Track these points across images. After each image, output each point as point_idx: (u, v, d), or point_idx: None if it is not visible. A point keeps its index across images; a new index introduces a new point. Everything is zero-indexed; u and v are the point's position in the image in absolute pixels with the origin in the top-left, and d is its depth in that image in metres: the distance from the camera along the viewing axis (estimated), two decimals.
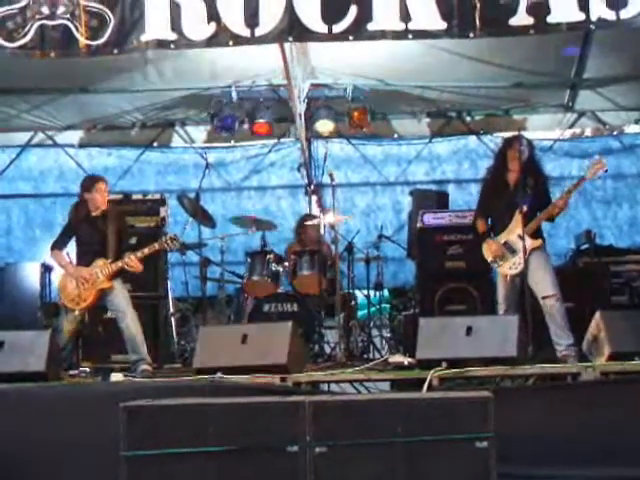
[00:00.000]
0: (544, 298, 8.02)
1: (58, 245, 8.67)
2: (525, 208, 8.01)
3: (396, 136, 12.24)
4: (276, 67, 9.44)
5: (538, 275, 8.07)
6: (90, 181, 8.75)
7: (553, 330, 8.00)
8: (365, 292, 10.34)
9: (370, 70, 9.98)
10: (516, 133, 8.87)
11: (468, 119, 11.90)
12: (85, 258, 8.58)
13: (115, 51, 7.33)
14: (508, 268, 8.18)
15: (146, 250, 8.48)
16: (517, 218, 8.07)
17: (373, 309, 10.42)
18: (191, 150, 12.23)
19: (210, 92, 10.69)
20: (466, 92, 10.84)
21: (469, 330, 7.25)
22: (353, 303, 10.01)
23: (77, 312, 8.51)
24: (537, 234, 8.19)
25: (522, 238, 7.96)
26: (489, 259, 8.32)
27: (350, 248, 10.01)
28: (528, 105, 11.34)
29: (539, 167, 8.52)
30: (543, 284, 8.05)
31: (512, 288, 8.19)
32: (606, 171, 8.17)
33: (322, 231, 10.03)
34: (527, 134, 11.87)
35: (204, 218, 10.06)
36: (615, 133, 12.18)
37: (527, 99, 11.10)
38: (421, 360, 7.29)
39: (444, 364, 7.02)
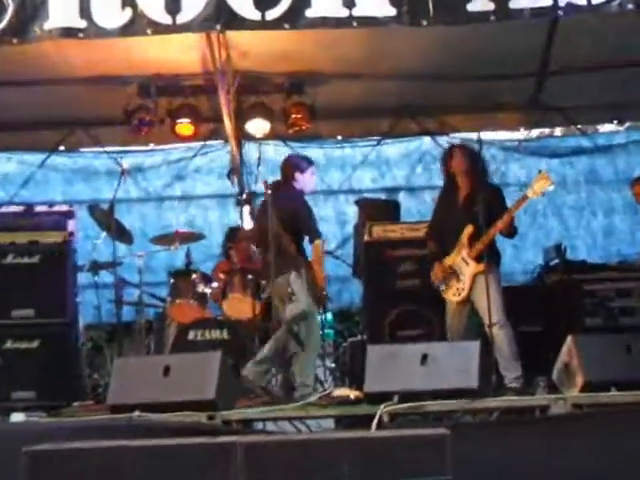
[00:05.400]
0: (488, 327, 8.21)
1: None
2: (471, 229, 8.37)
3: (340, 137, 12.32)
4: (201, 58, 9.46)
5: (481, 302, 8.33)
6: (306, 162, 9.17)
7: (500, 362, 8.23)
8: None
9: (307, 61, 10.01)
10: (457, 142, 9.02)
11: (421, 117, 11.93)
12: None
13: (15, 41, 7.30)
14: (452, 295, 8.49)
15: None
16: (464, 239, 8.40)
17: None
18: (104, 154, 12.19)
19: (125, 86, 10.63)
20: (418, 86, 10.89)
21: (424, 358, 7.30)
22: None
23: None
24: (488, 254, 8.33)
25: (466, 262, 8.35)
26: (434, 284, 8.60)
27: None
28: (489, 101, 11.41)
29: (488, 179, 8.75)
30: (485, 311, 8.25)
31: (458, 316, 8.48)
32: (551, 185, 8.30)
33: (254, 247, 10.07)
34: (489, 134, 12.01)
35: (119, 233, 10.03)
36: (588, 132, 12.35)
37: (487, 94, 11.15)
38: (369, 394, 7.34)
39: (396, 398, 7.05)
